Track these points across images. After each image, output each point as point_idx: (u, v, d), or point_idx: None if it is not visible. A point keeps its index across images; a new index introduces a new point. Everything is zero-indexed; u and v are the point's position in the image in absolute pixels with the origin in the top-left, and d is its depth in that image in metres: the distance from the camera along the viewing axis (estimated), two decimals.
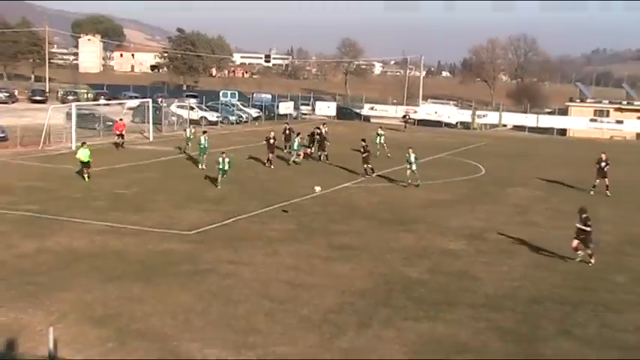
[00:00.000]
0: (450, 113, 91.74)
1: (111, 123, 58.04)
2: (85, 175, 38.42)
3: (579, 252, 25.98)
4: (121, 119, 56.34)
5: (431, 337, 18.33)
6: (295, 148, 47.90)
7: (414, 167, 40.75)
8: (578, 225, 25.98)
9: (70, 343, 16.48)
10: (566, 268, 25.36)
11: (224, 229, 29.09)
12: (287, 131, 53.15)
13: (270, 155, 46.37)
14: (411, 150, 40.67)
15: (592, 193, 40.68)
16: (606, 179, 41.19)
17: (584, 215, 26.03)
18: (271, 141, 46.63)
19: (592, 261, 25.79)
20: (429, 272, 23.96)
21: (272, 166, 46.00)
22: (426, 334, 18.47)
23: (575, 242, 25.85)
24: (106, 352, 16.44)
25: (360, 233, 29.22)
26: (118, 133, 53.16)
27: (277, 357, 16.49)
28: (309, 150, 51.19)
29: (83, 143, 39.98)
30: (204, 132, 47.44)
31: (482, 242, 28.64)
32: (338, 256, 25.61)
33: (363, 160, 44.51)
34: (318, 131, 52.38)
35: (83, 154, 38.45)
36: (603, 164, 41.53)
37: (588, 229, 25.75)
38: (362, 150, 45.09)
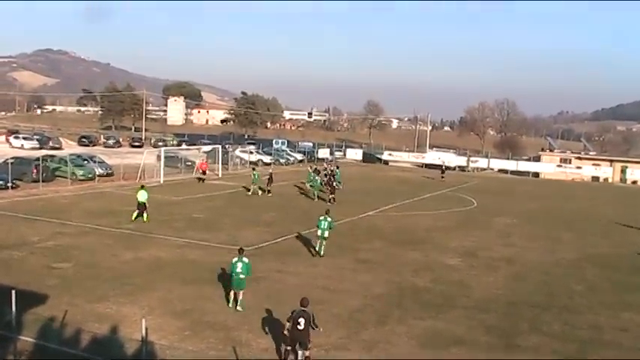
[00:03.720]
0: (450, 159, 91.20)
1: (190, 163, 58.50)
2: (135, 214, 32.75)
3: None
4: (204, 160, 57.14)
5: (434, 331, 18.22)
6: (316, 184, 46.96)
7: (325, 234, 27.16)
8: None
9: (157, 330, 16.59)
10: (537, 279, 25.10)
11: (275, 246, 29.14)
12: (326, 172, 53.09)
13: (269, 187, 47.41)
14: (327, 214, 27.75)
15: None
16: None
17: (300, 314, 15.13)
18: (272, 176, 48.29)
19: None
20: (433, 282, 23.85)
21: (270, 194, 46.58)
22: (430, 330, 18.37)
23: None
24: (184, 339, 16.53)
25: (379, 251, 29.14)
26: (202, 170, 53.97)
27: (314, 346, 16.46)
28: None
29: (142, 186, 34.43)
30: (316, 169, 50.13)
31: (474, 259, 28.43)
32: (362, 268, 25.58)
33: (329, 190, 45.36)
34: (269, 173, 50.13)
35: (141, 195, 32.99)
36: None
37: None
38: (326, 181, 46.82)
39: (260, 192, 46.56)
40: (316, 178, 47.53)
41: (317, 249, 27.60)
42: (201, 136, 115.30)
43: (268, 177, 48.13)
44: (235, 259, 19.42)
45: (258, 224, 34.35)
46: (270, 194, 46.72)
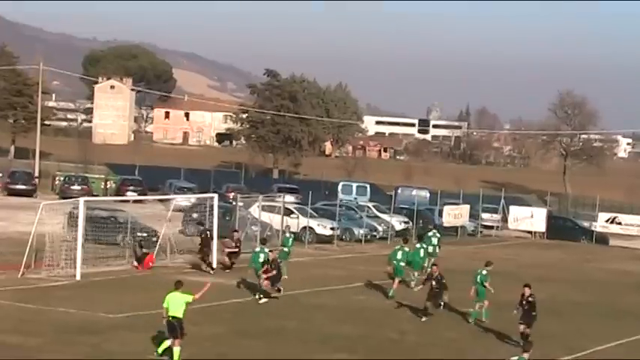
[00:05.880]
0: None
1: (146, 234, 58.95)
2: (164, 344, 34.27)
3: None
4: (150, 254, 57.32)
5: None
6: None
7: None
8: None
9: None
10: None
11: None
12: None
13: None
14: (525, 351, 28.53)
15: None
16: None
17: None
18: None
19: None
20: None
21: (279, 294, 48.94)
22: None
23: None
24: None
25: None
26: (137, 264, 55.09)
27: None
28: None
29: (178, 282, 35.25)
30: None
31: None
32: None
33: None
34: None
35: (176, 305, 33.93)
36: None
37: None
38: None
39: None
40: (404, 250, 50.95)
41: None
42: (174, 171, 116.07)
43: (268, 263, 49.04)
44: None
45: None
46: (279, 293, 48.26)
